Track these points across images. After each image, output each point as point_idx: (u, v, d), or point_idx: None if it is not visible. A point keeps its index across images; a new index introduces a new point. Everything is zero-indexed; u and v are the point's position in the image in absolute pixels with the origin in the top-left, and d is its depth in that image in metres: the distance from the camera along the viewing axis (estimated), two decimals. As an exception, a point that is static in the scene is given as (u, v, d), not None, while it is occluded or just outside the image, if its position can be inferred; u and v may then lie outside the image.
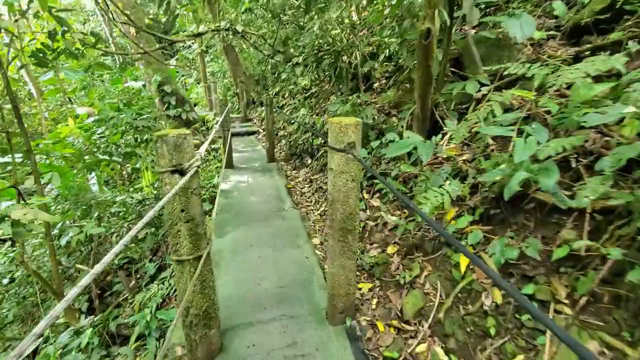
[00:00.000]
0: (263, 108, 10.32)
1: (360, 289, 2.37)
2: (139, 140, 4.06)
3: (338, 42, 4.84)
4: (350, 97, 5.02)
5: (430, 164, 2.72)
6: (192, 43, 15.54)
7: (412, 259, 2.35)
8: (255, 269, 2.87)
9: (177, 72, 18.35)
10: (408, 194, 2.71)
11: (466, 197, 2.12)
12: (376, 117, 4.08)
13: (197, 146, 7.09)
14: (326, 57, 4.57)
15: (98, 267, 0.78)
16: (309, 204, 4.42)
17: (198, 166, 1.62)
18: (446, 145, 2.70)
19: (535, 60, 2.98)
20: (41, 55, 3.59)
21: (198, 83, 16.31)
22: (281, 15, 5.22)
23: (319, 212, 4.09)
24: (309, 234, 3.48)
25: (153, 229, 4.55)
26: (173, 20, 4.01)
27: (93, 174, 5.14)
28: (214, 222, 3.78)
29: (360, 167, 1.96)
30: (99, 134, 4.66)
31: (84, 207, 4.58)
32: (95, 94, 8.20)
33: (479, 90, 2.89)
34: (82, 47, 3.96)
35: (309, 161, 5.71)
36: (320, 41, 8.20)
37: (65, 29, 3.06)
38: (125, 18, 5.75)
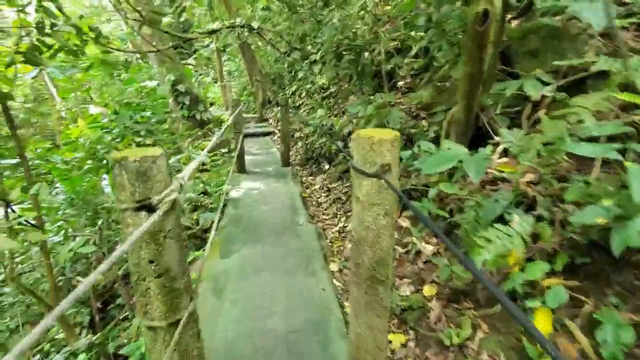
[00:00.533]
0: (279, 108, 9.91)
1: (389, 342, 1.87)
2: (140, 145, 3.70)
3: (360, 37, 4.31)
4: (372, 97, 4.49)
5: (480, 184, 2.18)
6: (210, 42, 15.30)
7: (459, 309, 1.83)
8: (263, 301, 2.42)
9: (196, 71, 18.24)
10: (448, 220, 2.18)
11: (542, 236, 1.59)
12: (403, 122, 3.54)
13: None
14: (347, 53, 4.07)
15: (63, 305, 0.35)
16: (326, 217, 3.94)
17: (175, 199, 1.16)
18: (499, 160, 2.15)
19: (610, 53, 2.37)
20: (37, 52, 3.26)
21: (215, 82, 16.10)
22: (298, 9, 4.74)
23: (337, 228, 3.60)
24: (325, 256, 2.99)
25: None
26: (179, 15, 3.59)
27: (106, 175, 4.84)
28: (218, 238, 3.36)
29: (394, 193, 1.46)
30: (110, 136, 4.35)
31: (89, 213, 4.27)
32: (108, 93, 8.03)
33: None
34: (81, 43, 3.61)
35: (326, 167, 5.22)
36: (340, 37, 7.68)
37: (55, 21, 2.68)
38: (138, 15, 5.42)
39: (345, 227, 3.58)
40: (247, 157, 6.45)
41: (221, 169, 5.77)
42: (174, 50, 8.02)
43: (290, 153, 6.02)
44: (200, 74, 17.48)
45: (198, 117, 8.18)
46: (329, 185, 4.64)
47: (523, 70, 2.77)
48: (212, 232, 2.93)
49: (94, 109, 7.23)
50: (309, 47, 7.92)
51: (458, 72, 2.54)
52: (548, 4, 2.44)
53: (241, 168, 5.63)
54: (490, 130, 2.45)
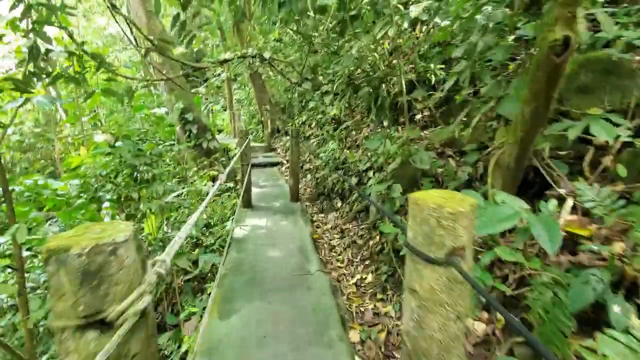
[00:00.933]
0: (288, 137, 9.68)
1: None
2: (139, 179, 3.35)
3: (378, 68, 4.04)
4: (390, 132, 4.16)
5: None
6: (222, 71, 15.47)
7: None
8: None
9: (206, 99, 18.42)
10: (512, 295, 1.72)
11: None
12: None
13: (215, 178, 6.34)
14: (364, 85, 3.78)
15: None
16: (340, 265, 3.47)
17: (146, 307, 0.74)
18: (566, 218, 1.73)
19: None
20: (29, 78, 3.00)
21: (225, 110, 16.14)
22: (312, 39, 4.54)
23: (354, 280, 3.12)
24: (343, 319, 2.51)
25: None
26: (188, 44, 3.35)
27: (106, 203, 4.47)
28: (218, 290, 2.90)
29: (470, 288, 1.02)
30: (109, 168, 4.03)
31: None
32: (114, 120, 7.86)
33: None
34: (82, 70, 3.36)
35: (339, 204, 4.80)
36: (352, 68, 7.54)
37: (50, 47, 2.41)
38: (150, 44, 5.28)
39: (364, 278, 3.11)
40: (253, 190, 6.07)
41: (226, 202, 5.38)
42: (184, 79, 7.92)
43: (300, 186, 5.65)
44: (211, 102, 17.61)
45: (205, 145, 7.93)
46: (343, 226, 4.20)
47: (574, 108, 2.40)
48: (213, 290, 2.49)
49: (99, 137, 7.02)
50: (321, 78, 7.78)
51: (508, 108, 2.17)
52: (611, 35, 2.11)
53: (247, 202, 5.24)
54: (548, 179, 2.04)
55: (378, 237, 3.48)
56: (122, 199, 3.36)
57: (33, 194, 3.91)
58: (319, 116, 7.47)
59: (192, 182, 7.00)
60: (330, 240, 4.10)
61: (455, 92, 4.99)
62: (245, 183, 5.05)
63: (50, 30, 3.43)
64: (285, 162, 8.45)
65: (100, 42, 15.63)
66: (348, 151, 5.51)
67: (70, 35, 3.92)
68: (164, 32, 7.93)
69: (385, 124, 3.78)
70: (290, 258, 3.52)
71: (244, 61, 7.79)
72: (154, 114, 9.08)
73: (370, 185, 3.42)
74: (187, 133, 7.83)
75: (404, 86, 3.84)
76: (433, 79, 4.98)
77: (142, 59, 7.21)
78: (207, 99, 18.32)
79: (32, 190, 3.71)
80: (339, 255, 3.72)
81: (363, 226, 3.93)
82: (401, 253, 2.78)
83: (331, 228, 4.40)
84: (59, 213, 3.90)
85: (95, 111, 8.46)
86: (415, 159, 2.90)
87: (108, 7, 4.13)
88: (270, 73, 8.01)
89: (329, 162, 5.46)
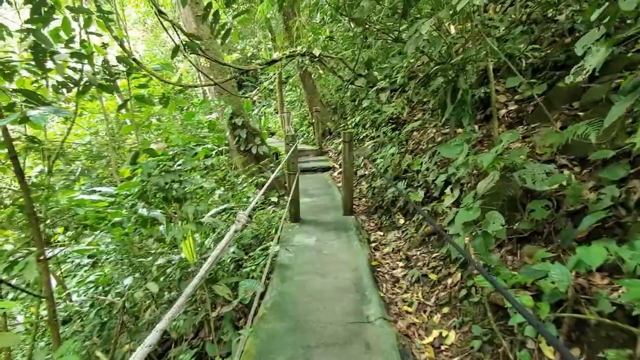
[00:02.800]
0: (340, 140, 8.97)
1: None
2: (170, 199, 2.90)
3: (453, 54, 3.12)
4: (474, 134, 3.21)
5: None
6: (274, 74, 15.28)
7: None
8: None
9: (259, 102, 18.52)
10: None
11: None
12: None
13: (261, 185, 5.90)
14: (435, 75, 2.89)
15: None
16: (409, 310, 2.64)
17: None
18: None
19: None
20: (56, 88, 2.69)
21: (276, 113, 15.99)
22: (367, 25, 3.75)
23: (430, 339, 2.29)
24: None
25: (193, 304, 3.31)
26: (223, 38, 2.80)
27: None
28: (253, 341, 2.27)
29: None
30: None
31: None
32: (165, 129, 7.86)
33: None
34: (112, 78, 3.00)
35: (402, 221, 3.95)
36: (413, 59, 6.56)
37: (47, 47, 1.98)
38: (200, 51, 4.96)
39: (445, 337, 2.25)
40: (302, 200, 5.47)
41: (273, 217, 4.83)
42: (233, 83, 7.63)
43: (353, 195, 4.89)
44: (264, 105, 17.64)
45: (254, 151, 7.56)
46: (407, 252, 3.35)
47: None
48: (248, 339, 1.88)
49: (154, 146, 7.01)
50: (375, 73, 6.93)
51: None
52: None
53: (295, 216, 4.63)
54: None
55: (459, 275, 2.59)
56: (142, 224, 2.93)
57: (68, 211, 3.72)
58: (374, 116, 6.63)
59: (241, 190, 6.66)
60: (393, 269, 3.28)
61: (556, 79, 3.85)
62: (291, 193, 4.45)
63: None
64: (337, 166, 7.76)
65: (162, 53, 16.47)
66: (410, 156, 4.62)
67: (121, 45, 3.66)
68: (212, 37, 7.71)
69: (466, 123, 2.86)
70: (344, 295, 2.79)
71: (293, 60, 7.26)
72: (200, 121, 9.01)
73: (448, 208, 2.55)
74: (237, 138, 7.53)
75: (491, 72, 2.88)
76: (523, 63, 3.91)
77: (194, 64, 7.02)
78: (259, 102, 18.43)
79: (67, 207, 3.50)
80: (406, 292, 2.89)
81: (435, 255, 3.06)
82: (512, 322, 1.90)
83: (392, 252, 3.58)
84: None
85: (151, 120, 8.62)
86: (522, 175, 1.98)
87: (155, 13, 3.81)
88: (321, 72, 7.39)
89: (388, 170, 4.62)
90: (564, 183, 2.10)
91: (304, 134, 11.37)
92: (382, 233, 4.08)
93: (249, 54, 18.23)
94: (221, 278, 3.56)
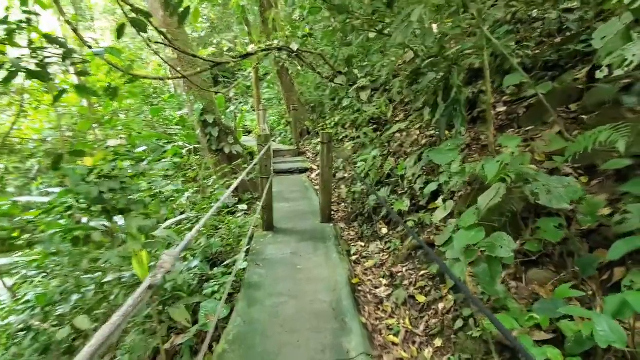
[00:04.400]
0: (319, 140, 8.55)
1: None
2: (111, 210, 2.36)
3: (445, 49, 2.76)
4: (455, 136, 2.87)
5: None
6: (250, 71, 14.59)
7: None
8: None
9: (236, 99, 17.74)
10: None
11: None
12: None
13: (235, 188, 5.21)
14: (430, 70, 2.51)
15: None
16: (395, 341, 2.26)
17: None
18: None
19: None
20: None
21: (254, 110, 15.32)
22: (349, 14, 3.34)
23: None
24: None
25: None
26: (182, 17, 2.28)
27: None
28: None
29: None
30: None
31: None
32: (126, 124, 7.13)
33: None
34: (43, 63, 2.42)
35: (385, 230, 3.58)
36: (397, 56, 6.23)
37: None
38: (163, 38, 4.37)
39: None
40: (278, 205, 5.00)
41: (246, 223, 4.32)
42: (204, 77, 7.02)
43: (332, 199, 4.46)
44: (240, 102, 16.92)
45: (227, 150, 6.99)
46: (392, 269, 2.97)
47: None
48: None
49: (113, 142, 6.30)
50: (356, 71, 6.56)
51: None
52: None
53: (268, 224, 4.16)
54: None
55: (453, 300, 2.23)
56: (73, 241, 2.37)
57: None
58: (355, 115, 6.26)
59: (212, 193, 6.10)
60: (376, 287, 2.89)
61: (547, 79, 3.60)
62: (264, 199, 3.98)
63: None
64: (315, 167, 7.33)
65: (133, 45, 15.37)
66: (393, 159, 4.27)
67: (75, 30, 3.05)
68: (182, 27, 7.05)
69: (458, 125, 2.51)
70: (321, 323, 2.37)
71: (270, 55, 6.75)
72: (168, 117, 8.30)
73: (441, 223, 2.18)
74: (208, 137, 6.92)
75: (487, 66, 2.54)
76: (515, 62, 3.64)
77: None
78: (236, 99, 17.69)
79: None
80: (391, 317, 2.51)
81: (424, 272, 2.69)
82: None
83: (375, 267, 3.19)
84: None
85: (114, 115, 7.79)
86: (534, 189, 1.62)
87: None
88: (299, 68, 6.94)
89: (370, 174, 4.24)
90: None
91: (281, 133, 10.86)
92: (363, 244, 3.69)
93: (225, 49, 17.41)
94: (180, 299, 3.05)
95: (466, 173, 2.04)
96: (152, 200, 2.94)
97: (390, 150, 4.63)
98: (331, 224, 4.21)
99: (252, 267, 3.28)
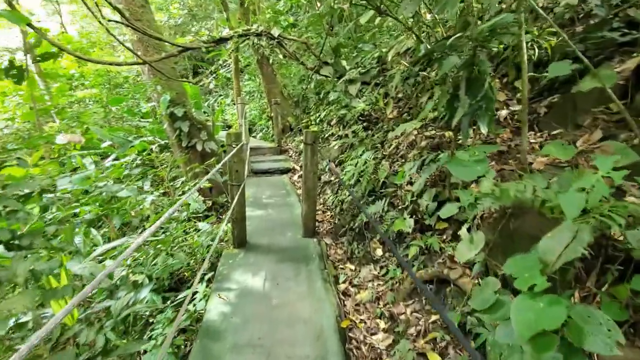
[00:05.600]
0: (302, 137, 7.81)
1: None
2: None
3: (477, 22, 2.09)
4: (478, 141, 2.23)
5: None
6: (229, 60, 13.58)
7: None
8: None
9: (216, 92, 16.64)
10: None
11: None
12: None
13: (206, 190, 4.53)
14: (451, 52, 1.83)
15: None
16: None
17: None
18: None
19: None
20: None
21: (234, 103, 14.37)
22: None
23: None
24: None
25: None
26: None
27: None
28: None
29: None
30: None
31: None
32: (82, 117, 6.13)
33: None
34: None
35: (380, 252, 2.92)
36: (388, 45, 5.58)
37: None
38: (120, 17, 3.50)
39: None
40: (253, 212, 4.27)
41: (215, 235, 3.56)
42: (172, 64, 6.13)
43: (316, 206, 3.75)
44: (220, 95, 15.88)
45: (199, 147, 6.16)
46: (392, 308, 2.31)
47: None
48: None
49: (62, 138, 5.36)
50: (344, 62, 5.86)
51: None
52: None
53: (239, 239, 3.42)
54: None
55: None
56: None
57: None
58: (342, 111, 5.57)
59: (179, 196, 5.28)
60: (372, 333, 2.23)
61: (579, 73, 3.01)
62: (235, 210, 3.25)
63: None
64: (298, 168, 6.61)
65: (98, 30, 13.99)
66: (387, 163, 3.61)
67: (10, 3, 2.20)
68: (147, 6, 6.12)
69: (484, 126, 1.87)
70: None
71: (248, 41, 5.94)
72: (131, 109, 7.34)
73: (467, 270, 1.54)
74: (177, 132, 6.06)
75: (524, 47, 1.89)
76: (536, 51, 3.07)
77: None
78: (216, 92, 16.65)
79: None
80: (394, 381, 1.85)
81: (435, 317, 2.05)
82: None
83: (370, 301, 2.53)
84: None
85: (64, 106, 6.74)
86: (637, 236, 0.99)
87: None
88: (280, 56, 6.19)
89: (361, 180, 3.57)
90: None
91: (263, 128, 10.04)
92: (353, 267, 3.02)
93: (203, 37, 16.30)
94: (116, 349, 2.29)
95: (510, 198, 1.41)
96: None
97: (384, 153, 3.97)
98: (315, 239, 3.52)
99: (214, 299, 2.56)
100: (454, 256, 2.14)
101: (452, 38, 1.75)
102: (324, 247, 3.40)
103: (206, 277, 2.88)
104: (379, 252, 2.92)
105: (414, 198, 2.60)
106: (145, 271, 2.83)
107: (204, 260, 3.20)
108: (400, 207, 2.80)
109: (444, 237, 2.31)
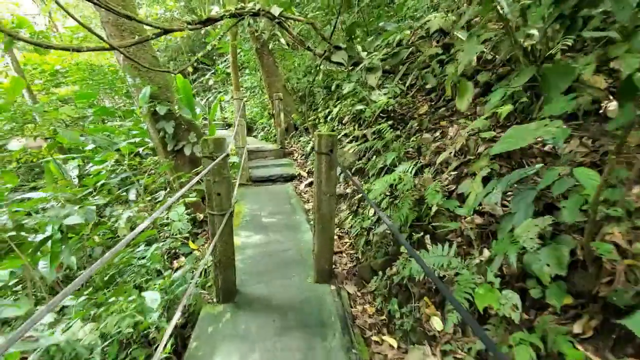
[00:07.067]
0: (309, 138, 6.72)
1: None
2: None
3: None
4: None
5: None
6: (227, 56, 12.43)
7: None
8: None
9: (215, 88, 15.54)
10: None
11: None
12: None
13: (192, 204, 3.73)
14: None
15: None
16: None
17: None
18: None
19: None
20: None
21: (234, 100, 13.26)
22: None
23: None
24: None
25: None
26: None
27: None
28: None
29: None
30: None
31: None
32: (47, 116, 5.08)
33: None
34: None
35: (439, 324, 1.84)
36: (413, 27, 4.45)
37: None
38: None
39: None
40: (248, 239, 3.20)
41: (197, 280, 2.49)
42: (153, 52, 5.04)
43: (333, 245, 2.66)
44: (220, 92, 14.79)
45: (187, 151, 5.11)
46: None
47: None
48: None
49: (15, 144, 4.31)
50: (360, 48, 4.75)
51: None
52: None
53: (225, 292, 2.35)
54: None
55: None
56: None
57: None
58: (359, 107, 4.46)
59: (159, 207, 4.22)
60: None
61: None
62: (218, 250, 2.19)
63: None
64: (305, 174, 5.53)
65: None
66: (429, 175, 2.52)
67: None
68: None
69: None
70: None
71: (242, 22, 4.84)
72: (106, 107, 6.28)
73: None
74: (161, 133, 5.00)
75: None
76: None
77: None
78: (216, 88, 15.56)
79: None
80: None
81: None
82: None
83: None
84: None
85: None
86: None
87: None
88: (282, 41, 5.10)
89: (399, 206, 2.48)
90: None
91: (264, 127, 8.95)
92: (394, 343, 1.94)
93: (202, 31, 15.16)
94: None
95: None
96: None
97: (423, 162, 2.88)
98: (332, 287, 2.44)
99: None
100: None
101: None
102: (347, 303, 2.32)
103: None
104: (437, 323, 1.84)
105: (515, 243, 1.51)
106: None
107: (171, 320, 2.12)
108: (471, 256, 1.71)
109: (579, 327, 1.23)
